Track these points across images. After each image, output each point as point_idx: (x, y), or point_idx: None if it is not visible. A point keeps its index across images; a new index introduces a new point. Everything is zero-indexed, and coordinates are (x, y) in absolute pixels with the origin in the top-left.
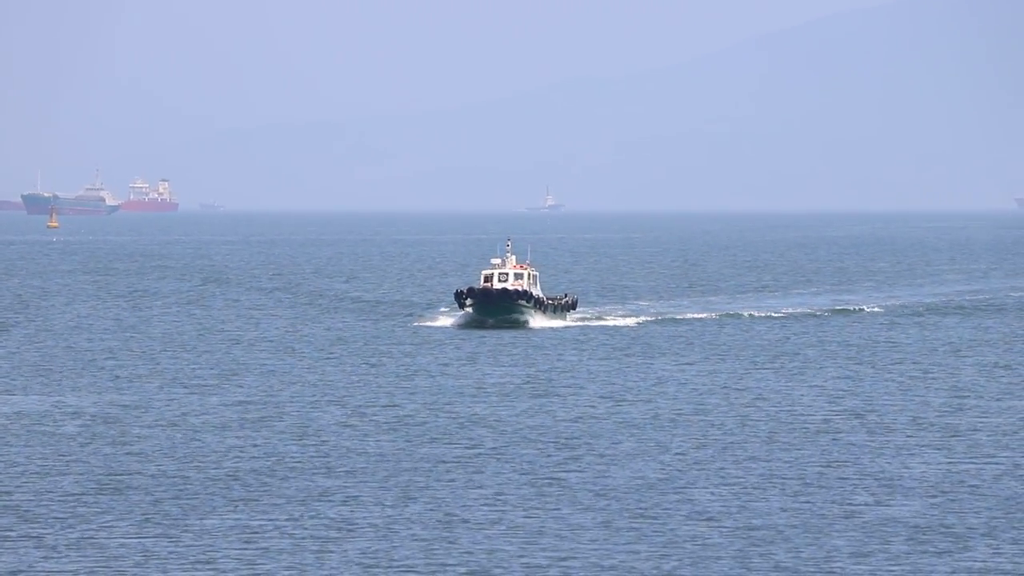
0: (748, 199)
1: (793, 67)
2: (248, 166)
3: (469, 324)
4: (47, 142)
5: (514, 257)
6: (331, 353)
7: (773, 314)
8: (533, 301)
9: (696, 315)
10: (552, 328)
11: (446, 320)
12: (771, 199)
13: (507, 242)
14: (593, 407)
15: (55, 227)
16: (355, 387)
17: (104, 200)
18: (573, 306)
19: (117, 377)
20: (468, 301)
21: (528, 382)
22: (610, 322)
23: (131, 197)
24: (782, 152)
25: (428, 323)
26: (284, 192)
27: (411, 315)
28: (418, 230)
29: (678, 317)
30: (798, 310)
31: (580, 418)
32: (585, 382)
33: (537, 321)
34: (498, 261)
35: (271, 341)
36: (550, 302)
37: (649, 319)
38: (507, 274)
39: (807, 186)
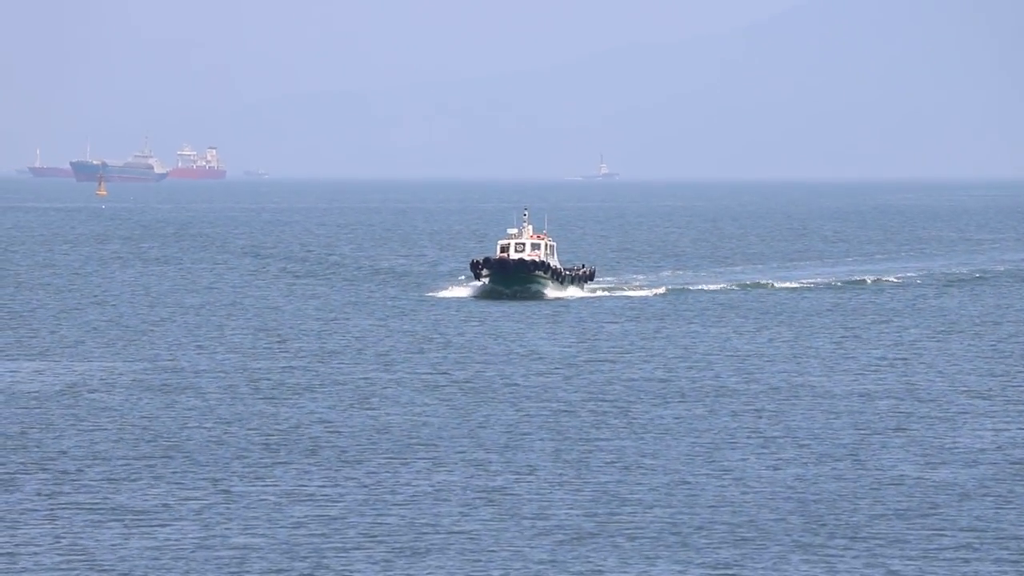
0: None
1: (845, 36)
2: (289, 134)
3: (485, 295)
4: (96, 109)
5: (531, 227)
6: (359, 322)
7: (793, 284)
8: (550, 272)
9: (719, 285)
10: (570, 298)
11: (462, 291)
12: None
13: (524, 212)
14: (632, 374)
15: (103, 195)
16: (384, 354)
17: (152, 168)
18: (590, 277)
19: (163, 342)
20: (484, 271)
21: (559, 348)
22: (628, 292)
23: (179, 165)
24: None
25: (444, 293)
26: (327, 159)
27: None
28: (467, 198)
29: (698, 288)
30: (821, 280)
31: (619, 384)
32: (617, 350)
33: (554, 292)
34: (515, 231)
35: (301, 311)
36: (567, 272)
37: (668, 289)
38: (524, 244)
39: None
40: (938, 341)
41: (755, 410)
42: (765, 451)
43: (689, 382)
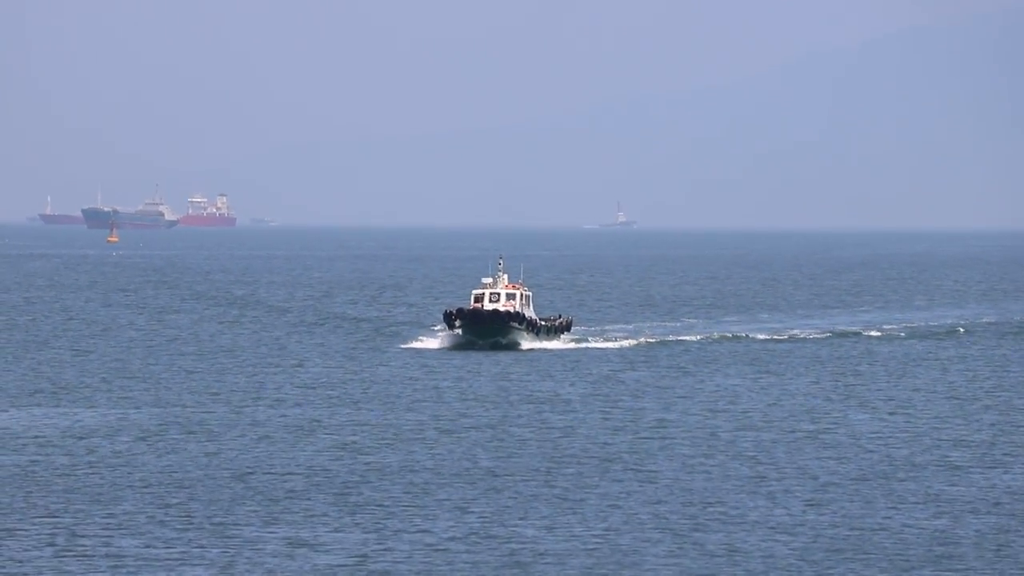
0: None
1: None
2: (299, 181)
3: (459, 346)
4: (108, 156)
5: (506, 276)
6: (325, 371)
7: (773, 336)
8: (525, 323)
9: (696, 336)
10: (546, 349)
11: (435, 342)
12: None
13: (499, 260)
14: (630, 421)
15: (115, 242)
16: (381, 401)
17: (163, 215)
18: (567, 328)
19: (167, 389)
20: (458, 323)
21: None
22: (606, 344)
23: (190, 212)
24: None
25: (417, 345)
26: (343, 206)
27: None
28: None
29: (673, 339)
30: (805, 332)
31: (612, 431)
32: (602, 398)
33: (529, 343)
34: (489, 280)
35: (288, 362)
36: (543, 323)
37: (645, 341)
38: (499, 294)
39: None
40: (942, 388)
41: (754, 457)
42: (768, 497)
43: (688, 429)
